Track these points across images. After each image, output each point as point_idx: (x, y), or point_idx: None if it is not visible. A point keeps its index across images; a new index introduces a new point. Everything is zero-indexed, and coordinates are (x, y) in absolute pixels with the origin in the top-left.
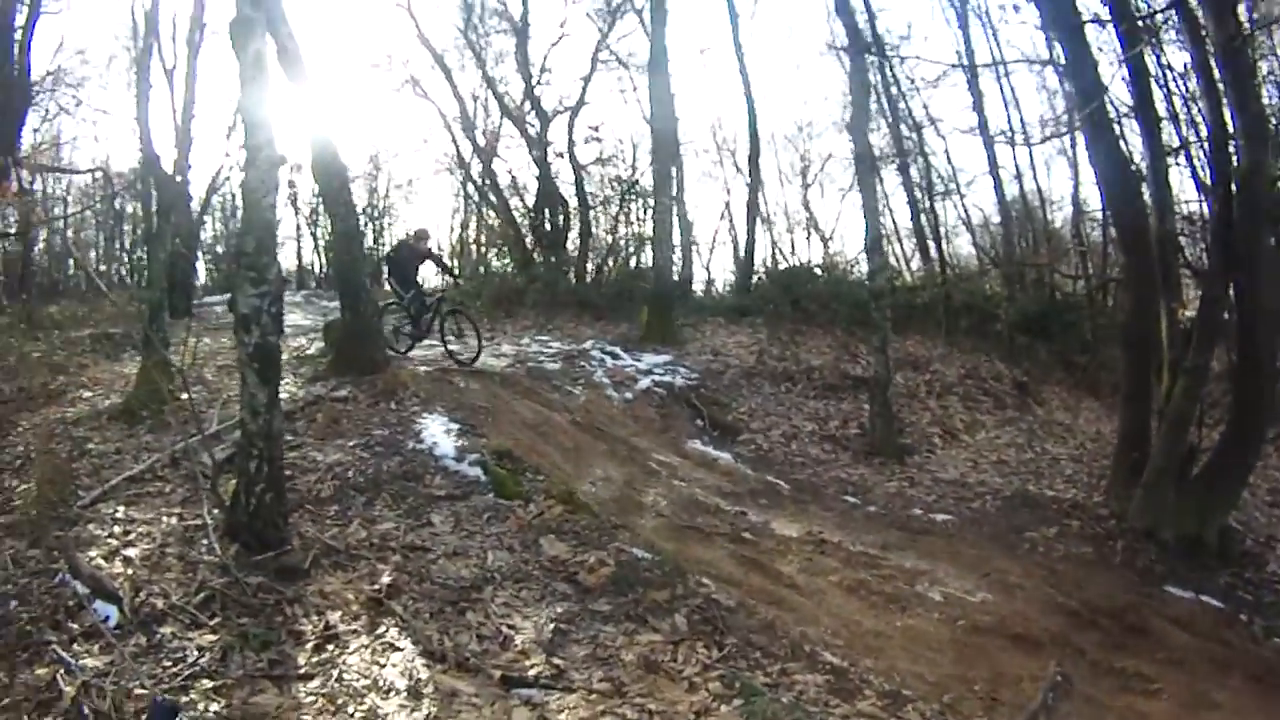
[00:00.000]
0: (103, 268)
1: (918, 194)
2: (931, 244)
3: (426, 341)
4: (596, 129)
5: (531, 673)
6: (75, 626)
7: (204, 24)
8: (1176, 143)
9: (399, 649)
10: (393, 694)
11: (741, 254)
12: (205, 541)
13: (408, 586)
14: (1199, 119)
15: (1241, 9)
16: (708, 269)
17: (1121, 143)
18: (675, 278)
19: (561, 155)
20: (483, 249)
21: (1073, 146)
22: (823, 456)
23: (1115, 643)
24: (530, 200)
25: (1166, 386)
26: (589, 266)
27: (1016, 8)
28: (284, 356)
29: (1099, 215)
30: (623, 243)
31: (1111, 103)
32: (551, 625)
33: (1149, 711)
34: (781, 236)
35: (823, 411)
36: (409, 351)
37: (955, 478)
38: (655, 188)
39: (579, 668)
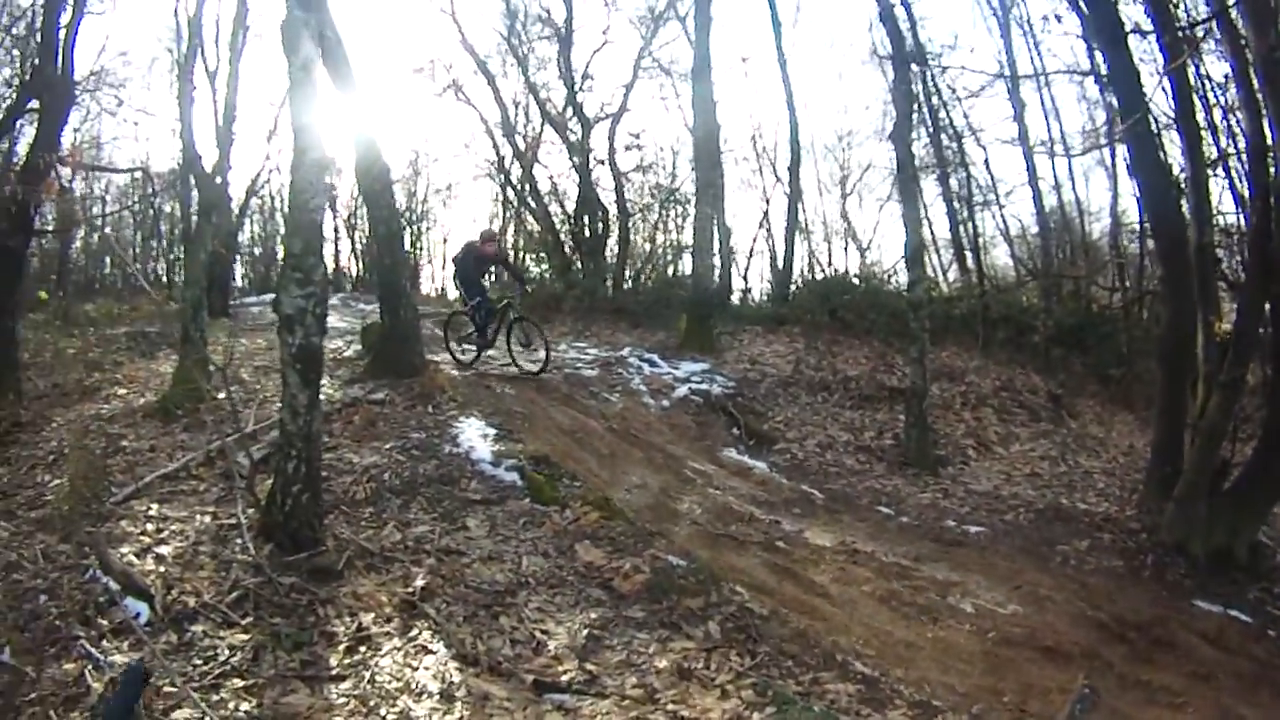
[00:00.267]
0: (139, 266)
1: (957, 204)
2: (969, 255)
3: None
4: (637, 136)
5: (564, 678)
6: (105, 622)
7: (247, 26)
8: (1215, 154)
9: (432, 652)
10: (425, 697)
11: (780, 263)
12: (239, 541)
13: (441, 590)
14: (1238, 130)
15: None
16: (745, 277)
17: (1160, 154)
18: (714, 286)
19: (602, 162)
20: (521, 254)
21: (1111, 157)
22: (857, 467)
23: (1143, 656)
24: (570, 207)
25: (1201, 400)
26: (627, 274)
27: (1059, 18)
28: None
29: (1136, 227)
30: (661, 250)
31: (1151, 114)
32: (585, 631)
33: None
34: (819, 246)
35: (858, 422)
36: (475, 362)
37: (988, 490)
38: (696, 196)
39: (612, 674)
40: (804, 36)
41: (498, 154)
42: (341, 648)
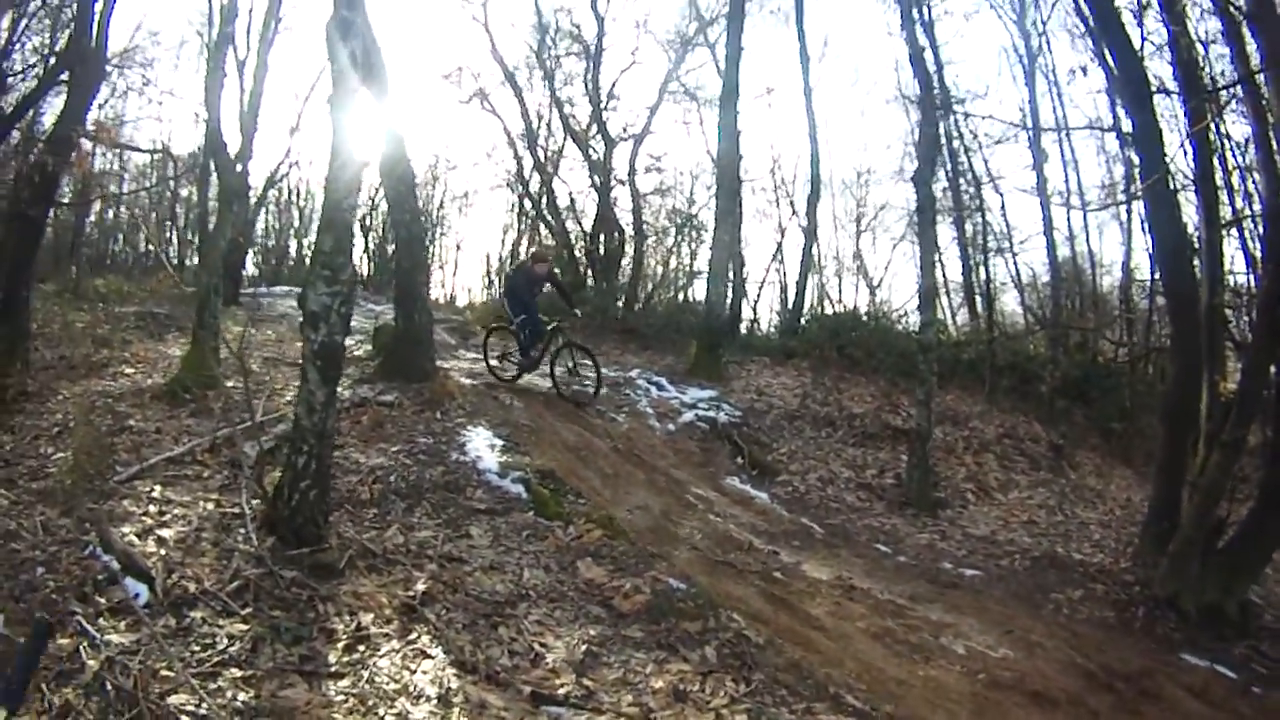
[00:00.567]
0: (162, 246)
1: (971, 249)
2: (980, 300)
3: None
4: (658, 159)
5: (561, 691)
6: (103, 601)
7: (279, 18)
8: (1229, 215)
9: (430, 656)
10: (423, 700)
11: (791, 296)
12: (242, 530)
13: (442, 596)
14: (1254, 191)
15: None
16: (754, 308)
17: (1177, 213)
18: (726, 314)
19: (622, 182)
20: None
21: (1127, 212)
22: (857, 504)
23: (1130, 706)
24: (587, 224)
25: (1201, 458)
26: (639, 295)
27: (1084, 70)
28: None
29: (1147, 283)
30: (674, 275)
31: (1169, 173)
32: (583, 646)
33: None
34: (830, 281)
35: (860, 459)
36: (516, 380)
37: (986, 534)
38: (715, 222)
39: (609, 690)
40: (829, 71)
41: (519, 165)
42: (340, 645)
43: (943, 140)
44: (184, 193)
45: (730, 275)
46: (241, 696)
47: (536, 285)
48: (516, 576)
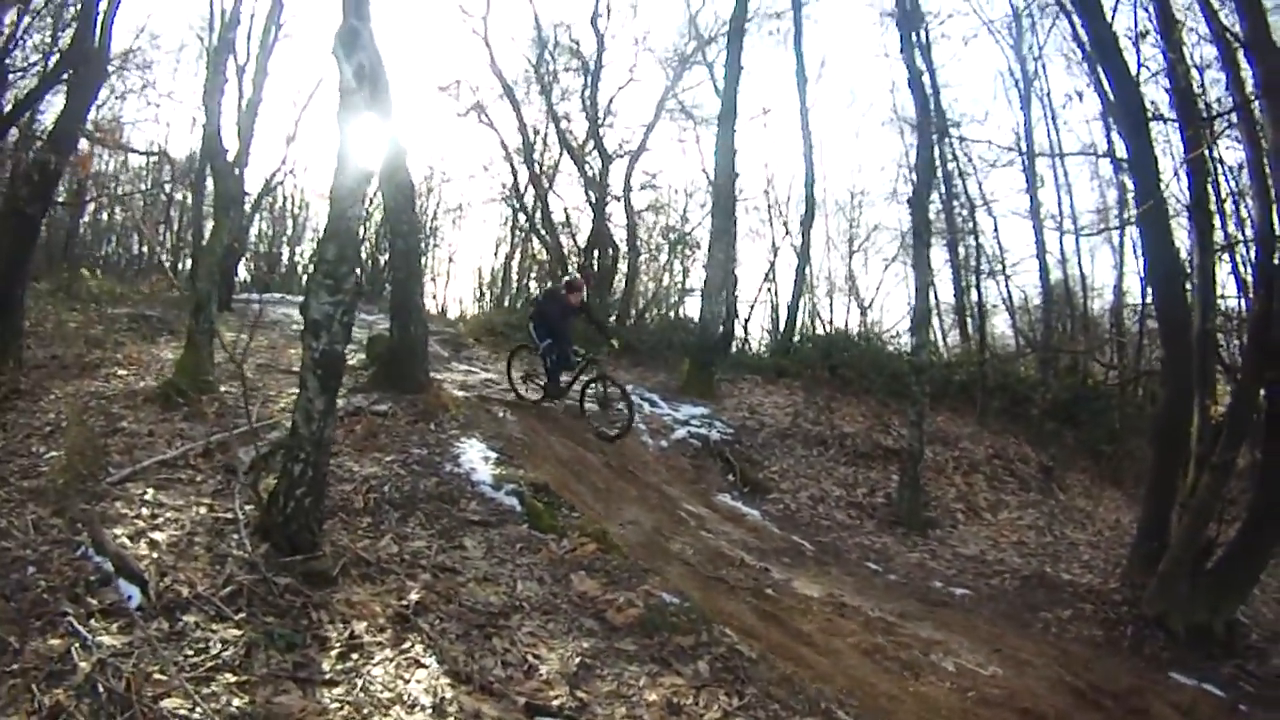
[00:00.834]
0: (145, 250)
1: (963, 271)
2: (971, 322)
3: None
4: (654, 176)
5: (555, 703)
6: (94, 602)
7: (280, 24)
8: (1222, 239)
9: (424, 666)
10: (417, 710)
11: (784, 315)
12: (235, 536)
13: (435, 606)
14: (1246, 217)
15: None
16: (746, 327)
17: (1170, 239)
18: (719, 332)
19: (617, 198)
20: (525, 281)
21: (1120, 237)
22: (848, 522)
23: None
24: (581, 239)
25: (1191, 480)
26: (632, 311)
27: (1080, 95)
28: None
29: (1139, 307)
30: (667, 292)
31: (1163, 198)
32: (577, 659)
33: None
34: (821, 301)
35: (851, 478)
36: (539, 404)
37: (975, 554)
38: (711, 241)
39: (602, 703)
40: (825, 92)
41: (514, 179)
42: (334, 653)
43: (937, 163)
44: (179, 196)
45: (724, 293)
46: (236, 702)
47: (569, 314)
48: (510, 588)
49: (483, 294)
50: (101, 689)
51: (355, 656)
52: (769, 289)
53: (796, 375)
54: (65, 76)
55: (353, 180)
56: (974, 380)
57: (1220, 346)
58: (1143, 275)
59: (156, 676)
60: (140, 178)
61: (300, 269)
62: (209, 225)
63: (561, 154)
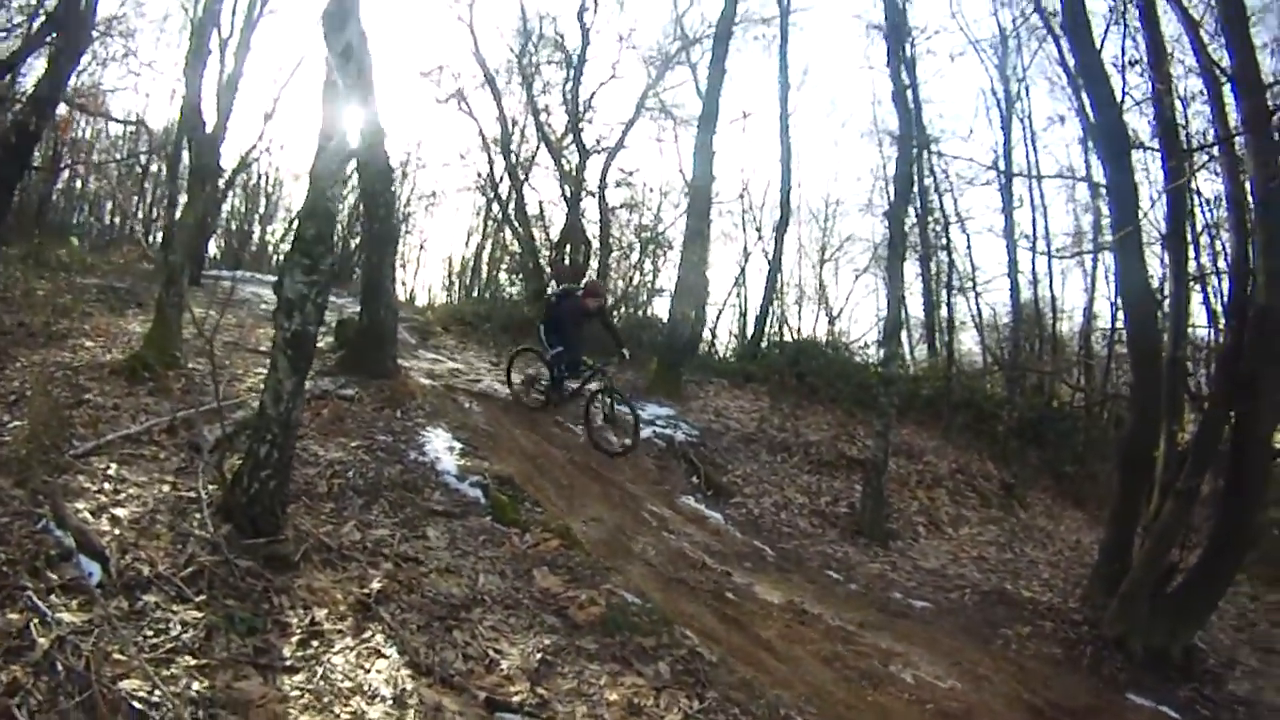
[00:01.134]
0: (117, 221)
1: (934, 286)
2: (940, 337)
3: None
4: (630, 174)
5: (516, 699)
6: (54, 577)
7: (264, 0)
8: (1194, 269)
9: (385, 656)
10: (378, 700)
11: (753, 320)
12: (198, 516)
13: (397, 595)
14: (1220, 249)
15: None
16: (714, 330)
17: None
18: (688, 333)
19: (592, 194)
20: (495, 271)
21: (1093, 260)
22: (810, 530)
23: None
24: (553, 233)
25: (1155, 505)
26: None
27: (1062, 119)
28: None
29: (1107, 330)
30: (637, 290)
31: (1140, 226)
32: (538, 655)
33: None
34: (790, 308)
35: (815, 486)
36: (542, 408)
37: (936, 567)
38: (685, 242)
39: (563, 700)
40: (806, 100)
41: (490, 169)
42: (294, 640)
43: (915, 177)
44: (154, 168)
45: (695, 295)
46: (196, 686)
47: (583, 319)
48: (472, 581)
49: (452, 283)
50: (60, 667)
51: (316, 644)
52: (738, 293)
53: (764, 380)
54: (49, 40)
55: (334, 160)
56: (940, 395)
57: (1189, 374)
58: (1113, 300)
59: (116, 656)
60: (116, 147)
61: (271, 248)
62: (183, 199)
63: (539, 146)
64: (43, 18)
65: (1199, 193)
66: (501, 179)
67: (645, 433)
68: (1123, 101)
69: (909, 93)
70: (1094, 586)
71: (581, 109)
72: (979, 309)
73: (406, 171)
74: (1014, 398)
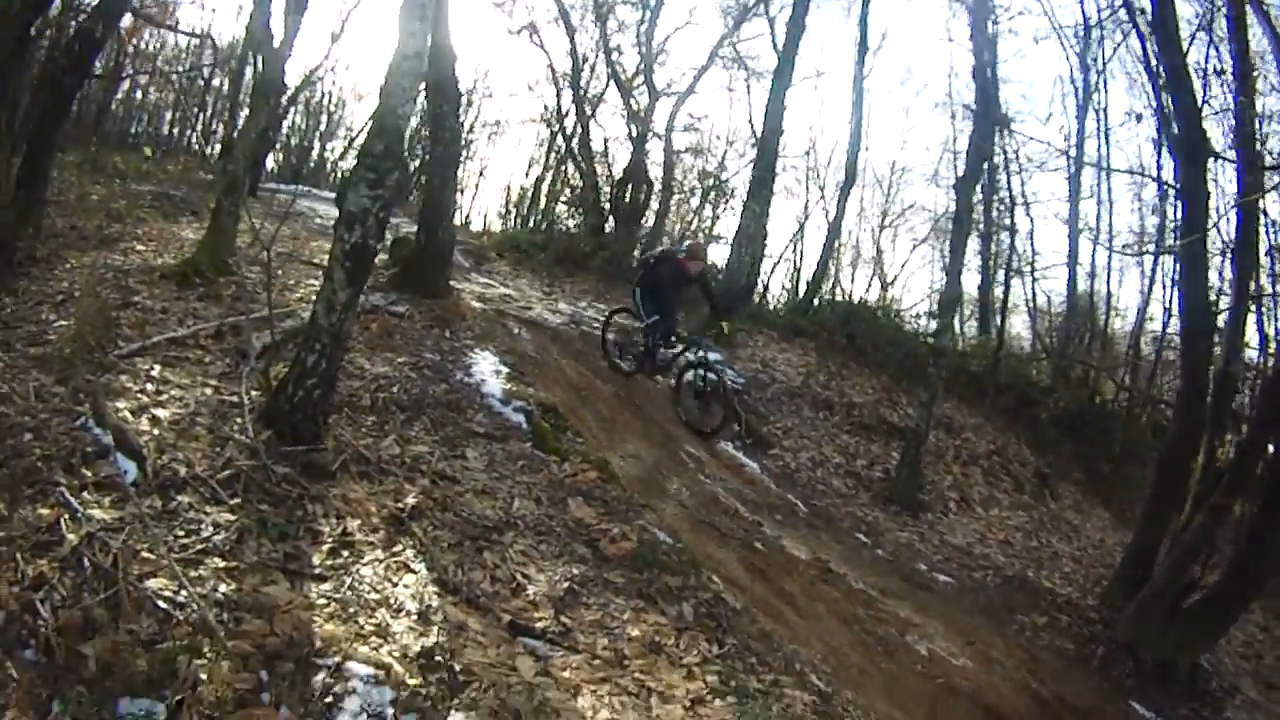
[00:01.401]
0: (175, 131)
1: (992, 266)
2: (996, 317)
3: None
4: (698, 119)
5: (539, 625)
6: (89, 474)
7: None
8: (1254, 288)
9: (413, 571)
10: (403, 614)
11: (807, 276)
12: (239, 420)
13: (431, 512)
14: None
15: None
16: (767, 282)
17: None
18: (743, 282)
19: (658, 136)
20: (553, 204)
21: (1154, 263)
22: (844, 490)
23: None
24: (616, 171)
25: (1186, 516)
26: (657, 249)
27: (1139, 117)
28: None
29: (1158, 334)
30: (694, 236)
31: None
32: (565, 584)
33: None
34: (844, 270)
35: (853, 447)
36: (633, 374)
37: (962, 544)
38: (749, 192)
39: (585, 631)
40: (880, 64)
41: (558, 103)
42: (325, 548)
43: (987, 153)
44: (216, 82)
45: (753, 245)
46: (223, 588)
47: (682, 284)
48: (507, 504)
49: (509, 211)
50: (87, 563)
51: (346, 554)
52: (795, 249)
53: (813, 337)
54: None
55: (406, 78)
56: (987, 374)
57: (1236, 392)
58: (1166, 306)
59: (145, 555)
60: (179, 59)
61: (330, 165)
62: (244, 113)
63: (608, 85)
64: None
65: (1265, 212)
66: (568, 113)
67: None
68: (1201, 108)
69: (989, 70)
70: (1114, 588)
71: (654, 51)
72: (1034, 294)
73: (472, 99)
74: (1058, 387)
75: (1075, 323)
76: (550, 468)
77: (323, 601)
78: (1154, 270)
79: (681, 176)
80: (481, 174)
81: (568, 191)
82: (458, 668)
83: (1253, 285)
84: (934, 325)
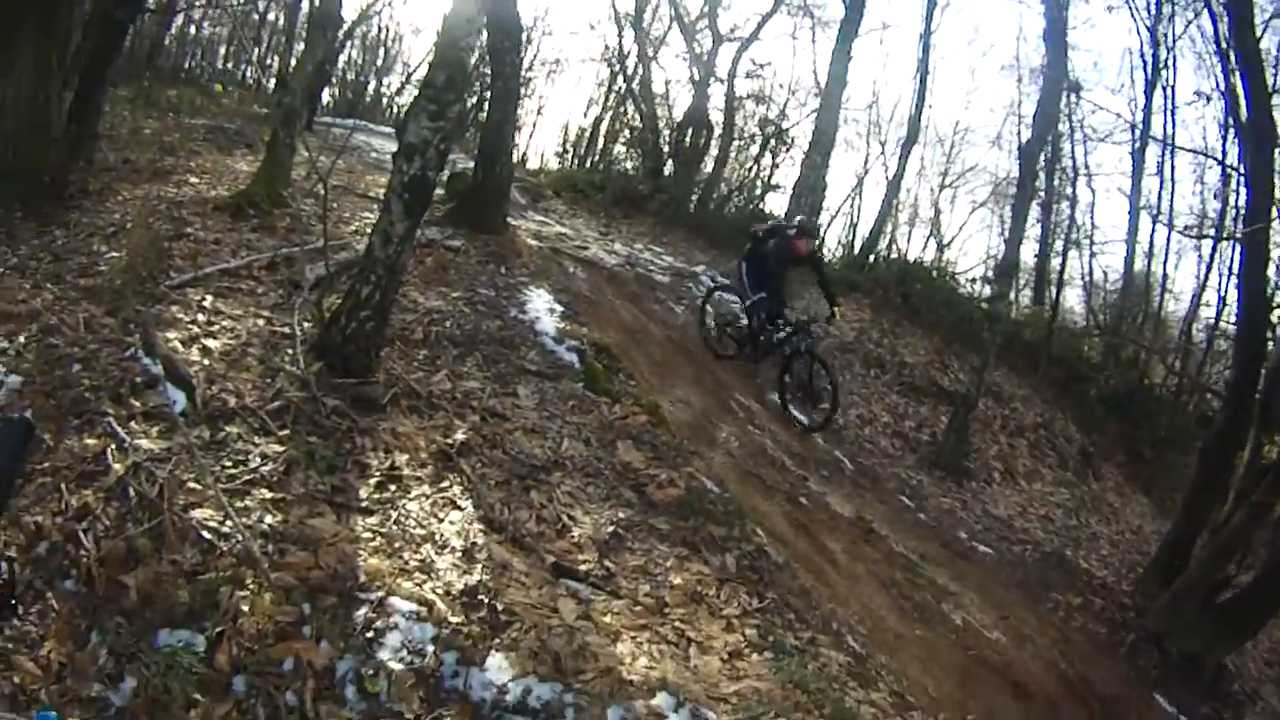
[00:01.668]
0: (229, 66)
1: (1050, 236)
2: (1052, 288)
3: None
4: (761, 66)
5: (583, 568)
6: (138, 405)
7: None
8: None
9: (459, 508)
10: (447, 551)
11: (863, 231)
12: (290, 351)
13: (480, 449)
14: None
15: None
16: (823, 236)
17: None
18: None
19: (720, 81)
20: (611, 144)
21: (1213, 247)
22: (891, 451)
23: None
24: (676, 114)
25: (1227, 510)
26: (715, 195)
27: (1207, 99)
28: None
29: (1210, 321)
30: (752, 183)
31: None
32: (610, 527)
33: None
34: (901, 227)
35: (902, 409)
36: (732, 358)
37: (1004, 516)
38: (812, 143)
39: (628, 576)
40: (947, 22)
41: (620, 42)
42: (373, 482)
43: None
44: (271, 17)
45: (813, 197)
46: (268, 519)
47: (789, 263)
48: (556, 444)
49: (566, 150)
50: (132, 493)
51: (393, 488)
52: (853, 203)
53: (868, 293)
54: None
55: (469, 9)
56: (1039, 345)
57: None
58: (1222, 293)
59: (191, 485)
60: None
61: (386, 100)
62: (299, 48)
63: (671, 26)
64: None
65: None
66: (629, 54)
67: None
68: (1271, 95)
69: (1061, 33)
70: (1149, 576)
71: None
72: (1091, 268)
73: (532, 36)
74: (1108, 365)
75: (1130, 301)
76: (601, 409)
77: (368, 535)
78: (1212, 256)
79: (742, 123)
80: (539, 112)
81: (627, 132)
82: (500, 607)
83: None
84: (988, 290)
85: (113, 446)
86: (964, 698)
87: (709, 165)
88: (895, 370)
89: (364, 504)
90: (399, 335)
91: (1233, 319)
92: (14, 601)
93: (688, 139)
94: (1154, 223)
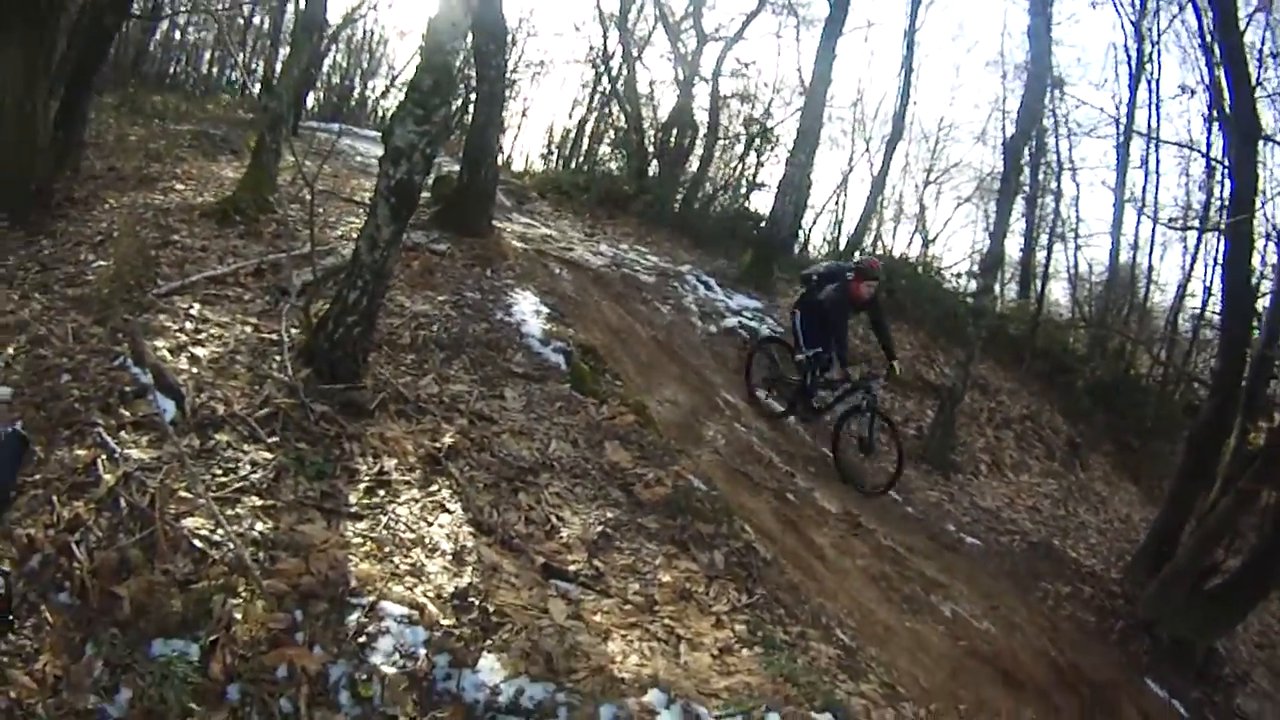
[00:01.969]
0: (214, 71)
1: (1035, 229)
2: (1037, 282)
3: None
4: (746, 65)
5: (572, 568)
6: (127, 414)
7: None
8: None
9: (449, 511)
10: (437, 554)
11: (849, 227)
12: (278, 358)
13: (468, 452)
14: None
15: None
16: (808, 233)
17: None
18: (786, 230)
19: (705, 81)
20: (596, 145)
21: (1198, 239)
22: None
23: (1088, 713)
24: (661, 114)
25: (1214, 497)
26: (700, 194)
27: (1191, 93)
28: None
29: (1195, 311)
30: (738, 182)
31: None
32: (599, 527)
33: None
34: (886, 224)
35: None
36: (783, 416)
37: (991, 507)
38: (796, 141)
39: (617, 575)
40: (932, 19)
41: (604, 43)
42: (362, 487)
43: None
44: (256, 21)
45: (798, 194)
46: (259, 526)
47: (850, 313)
48: (544, 446)
49: (551, 152)
50: (124, 503)
51: (382, 493)
52: (838, 200)
53: None
54: None
55: (455, 14)
56: (1024, 338)
57: (1272, 377)
58: (1206, 285)
59: (182, 494)
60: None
61: (371, 104)
62: (285, 52)
63: (655, 26)
64: None
65: None
66: (614, 54)
67: (730, 321)
68: (1255, 89)
69: (1044, 29)
70: (1137, 563)
71: None
72: (1076, 261)
73: (516, 38)
74: (1094, 357)
75: (1115, 293)
76: (588, 410)
77: (358, 540)
78: (1197, 247)
79: (727, 122)
80: (524, 114)
81: (611, 133)
82: (491, 609)
83: None
84: (974, 285)
85: (103, 457)
86: (955, 688)
87: (694, 165)
88: (880, 366)
89: (354, 509)
90: (386, 340)
91: (1218, 309)
92: (10, 616)
93: (672, 139)
94: (1139, 215)
